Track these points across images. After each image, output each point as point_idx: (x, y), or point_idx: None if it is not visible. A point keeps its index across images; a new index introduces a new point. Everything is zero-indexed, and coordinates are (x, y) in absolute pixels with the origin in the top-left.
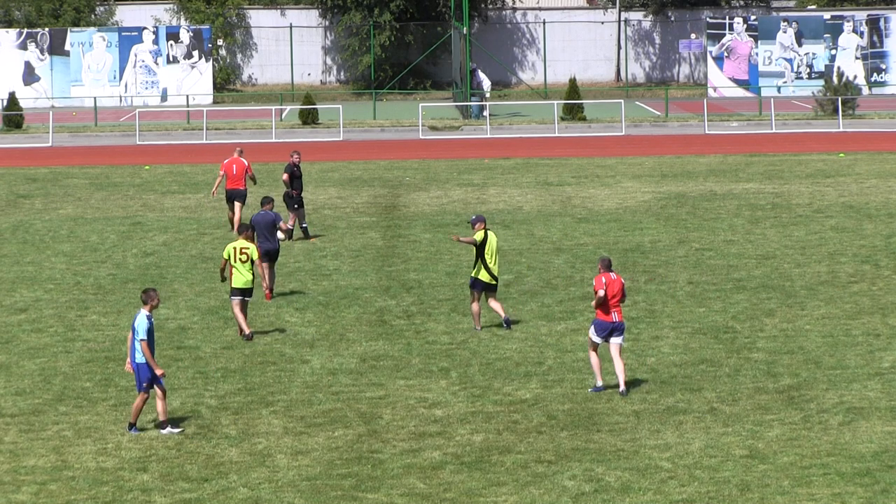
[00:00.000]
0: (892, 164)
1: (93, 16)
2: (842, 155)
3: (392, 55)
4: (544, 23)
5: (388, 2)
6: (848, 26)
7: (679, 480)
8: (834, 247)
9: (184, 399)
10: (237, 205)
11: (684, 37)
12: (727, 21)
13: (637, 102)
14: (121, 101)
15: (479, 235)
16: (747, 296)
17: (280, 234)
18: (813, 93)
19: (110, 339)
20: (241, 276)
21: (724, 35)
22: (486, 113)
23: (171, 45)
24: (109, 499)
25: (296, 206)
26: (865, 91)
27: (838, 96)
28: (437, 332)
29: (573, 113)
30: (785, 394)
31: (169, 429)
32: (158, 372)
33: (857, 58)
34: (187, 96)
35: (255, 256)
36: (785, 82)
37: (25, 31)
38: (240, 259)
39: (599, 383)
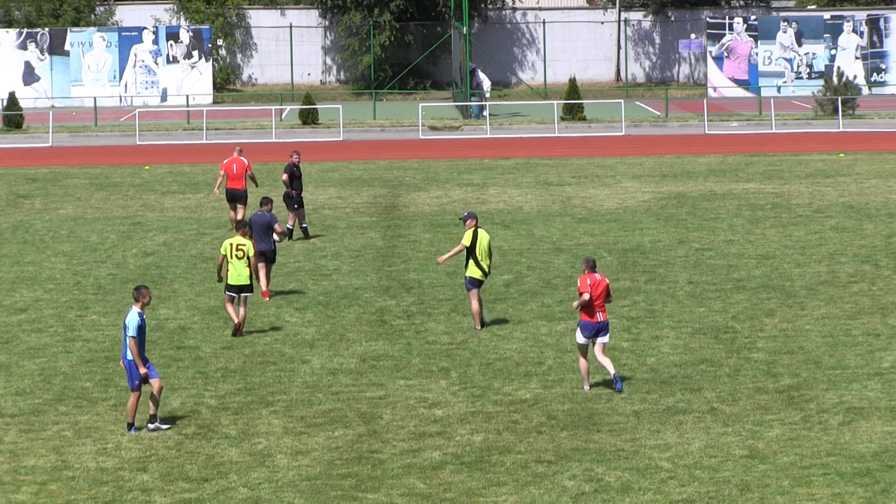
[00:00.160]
0: (892, 164)
1: (93, 16)
2: (842, 155)
3: (392, 55)
4: (544, 23)
5: (388, 2)
6: (848, 26)
7: (679, 480)
8: (834, 247)
9: (184, 399)
10: (240, 207)
11: (684, 37)
12: (727, 21)
13: (637, 102)
14: (121, 101)
15: (467, 236)
16: (747, 296)
17: (275, 237)
18: (813, 93)
19: (110, 339)
20: (236, 273)
21: (724, 35)
22: (486, 113)
23: (171, 45)
24: (109, 499)
25: (296, 206)
26: (865, 91)
27: (838, 96)
28: (437, 332)
29: (573, 113)
30: (785, 394)
31: (157, 424)
32: (142, 371)
33: (856, 58)
34: (187, 96)
35: (252, 253)
36: (785, 82)
37: (25, 31)
38: (236, 255)
39: (586, 388)
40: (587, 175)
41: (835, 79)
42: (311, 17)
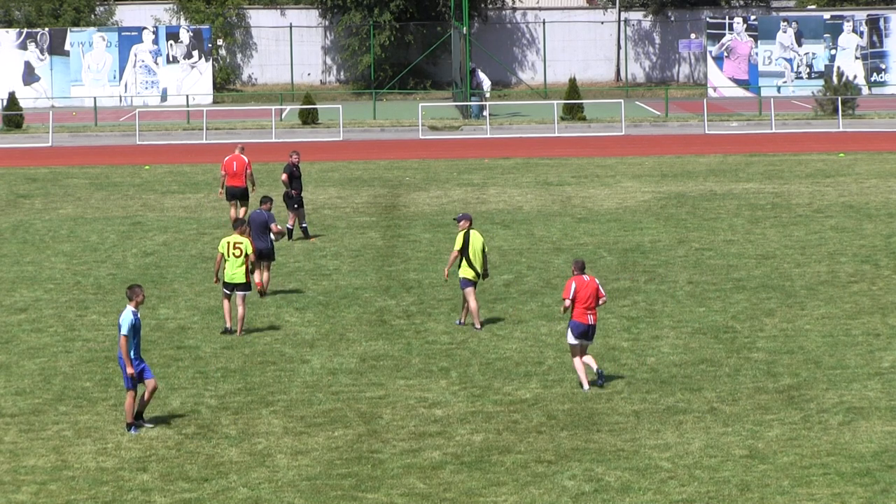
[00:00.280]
0: (892, 164)
1: (93, 16)
2: (842, 155)
3: (392, 55)
4: (544, 23)
5: (388, 2)
6: (848, 26)
7: (679, 480)
8: (834, 247)
9: (184, 399)
10: (240, 205)
11: (684, 37)
12: (727, 21)
13: (637, 102)
14: (121, 101)
15: (458, 240)
16: (747, 296)
17: (272, 236)
18: (813, 93)
19: (110, 339)
20: (232, 271)
21: (724, 35)
22: (486, 113)
23: (171, 45)
24: (109, 499)
25: (295, 206)
26: (865, 91)
27: (838, 96)
28: (437, 332)
29: (573, 113)
30: (785, 394)
31: (141, 421)
32: (128, 371)
33: (856, 58)
34: (187, 96)
35: (249, 251)
36: (785, 82)
37: (25, 31)
38: (233, 254)
39: (585, 387)
40: (587, 175)
41: (835, 79)
42: (311, 17)
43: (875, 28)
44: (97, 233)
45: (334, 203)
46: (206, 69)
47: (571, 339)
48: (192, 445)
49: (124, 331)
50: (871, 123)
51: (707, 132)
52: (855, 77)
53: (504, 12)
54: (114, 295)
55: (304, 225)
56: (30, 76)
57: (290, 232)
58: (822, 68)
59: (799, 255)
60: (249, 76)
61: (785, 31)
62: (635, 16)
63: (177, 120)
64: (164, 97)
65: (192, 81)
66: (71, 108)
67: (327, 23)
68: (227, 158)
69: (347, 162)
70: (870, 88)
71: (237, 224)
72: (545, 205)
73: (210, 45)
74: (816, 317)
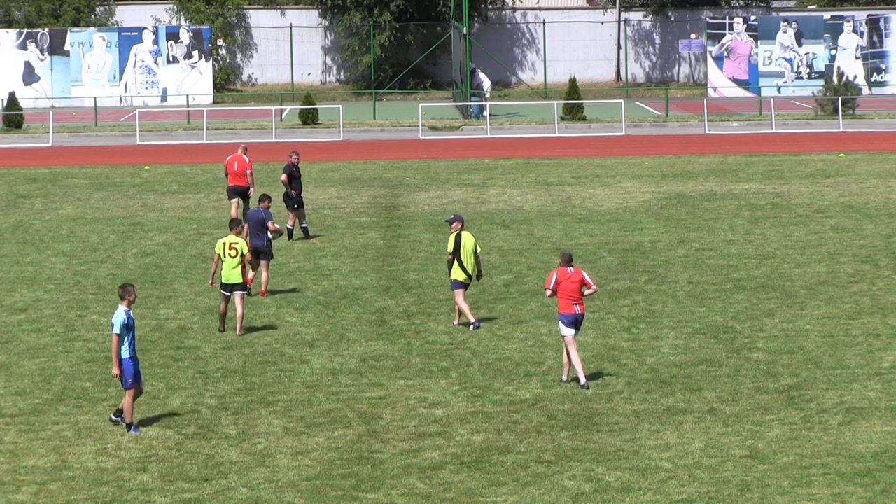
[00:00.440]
0: (892, 164)
1: (93, 16)
2: (842, 155)
3: (392, 55)
4: (544, 23)
5: (388, 2)
6: (848, 26)
7: (679, 480)
8: (834, 247)
9: (184, 399)
10: (242, 204)
11: (684, 37)
12: (727, 21)
13: (637, 102)
14: (121, 101)
15: (450, 242)
16: (747, 296)
17: (269, 234)
18: (813, 93)
19: (110, 339)
20: (228, 271)
21: (724, 35)
22: (486, 113)
23: (171, 45)
24: (109, 499)
25: (295, 206)
26: (865, 91)
27: (838, 96)
28: (437, 332)
29: (573, 113)
30: (785, 394)
31: (120, 419)
32: (114, 371)
33: (857, 58)
34: (187, 96)
35: (245, 251)
36: (785, 82)
37: (25, 31)
38: (229, 254)
39: (583, 380)
40: (587, 175)
41: (835, 79)
42: (311, 17)
43: (875, 28)
44: (97, 233)
45: (334, 203)
46: (206, 69)
47: (564, 331)
48: (192, 445)
49: (116, 329)
50: (872, 123)
51: (707, 132)
52: (855, 77)
53: (504, 12)
54: (114, 295)
55: (304, 225)
56: (30, 76)
57: (290, 232)
58: (823, 68)
59: (799, 256)
60: (249, 76)
61: (785, 32)
62: (635, 16)
63: (177, 120)
64: (164, 97)
65: (193, 81)
66: (71, 109)
67: (327, 23)
68: (229, 158)
69: (347, 162)
70: (870, 88)
71: (233, 224)
72: (545, 205)
73: (210, 46)
74: (816, 317)
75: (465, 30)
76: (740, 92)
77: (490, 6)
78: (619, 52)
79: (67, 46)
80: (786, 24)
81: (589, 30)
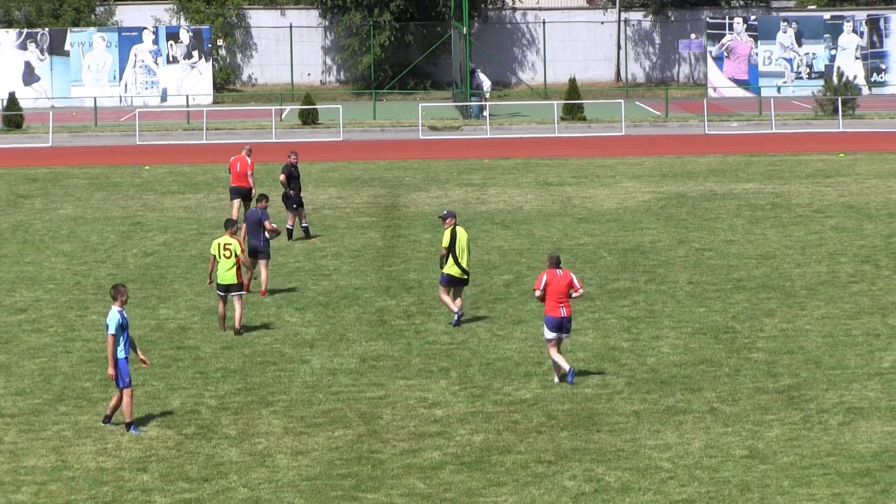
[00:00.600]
0: (892, 164)
1: (93, 16)
2: (842, 155)
3: (392, 55)
4: (544, 23)
5: (388, 2)
6: (848, 26)
7: (679, 480)
8: (834, 247)
9: (184, 399)
10: (243, 204)
11: (684, 37)
12: (727, 21)
13: (637, 102)
14: (121, 101)
15: (445, 237)
16: (747, 296)
17: (266, 234)
18: (813, 93)
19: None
20: (223, 272)
21: (724, 35)
22: (486, 113)
23: (171, 45)
24: (109, 499)
25: (294, 206)
26: (865, 91)
27: (838, 96)
28: (437, 332)
29: (573, 113)
30: (785, 394)
31: (109, 424)
32: (110, 371)
33: (856, 58)
34: (187, 96)
35: (239, 251)
36: (785, 82)
37: (25, 31)
38: (224, 255)
39: (556, 380)
40: (587, 175)
41: (835, 79)
42: (311, 17)
43: (875, 28)
44: (97, 233)
45: (334, 203)
46: (206, 69)
47: (547, 335)
48: (192, 445)
49: (111, 330)
50: (871, 123)
51: (707, 132)
52: (855, 77)
53: (504, 12)
54: None
55: (304, 225)
56: (30, 76)
57: (290, 232)
58: (822, 68)
59: (799, 256)
60: (249, 76)
61: (785, 32)
62: (635, 16)
63: (177, 120)
64: (164, 97)
65: (192, 81)
66: (71, 109)
67: (327, 23)
68: (232, 158)
69: (347, 162)
70: (870, 88)
71: (228, 224)
72: (545, 205)
73: (210, 46)
74: (816, 317)
75: (465, 30)
76: (740, 92)
77: (490, 6)
78: (619, 52)
79: (67, 46)
80: (786, 24)
81: (589, 30)
